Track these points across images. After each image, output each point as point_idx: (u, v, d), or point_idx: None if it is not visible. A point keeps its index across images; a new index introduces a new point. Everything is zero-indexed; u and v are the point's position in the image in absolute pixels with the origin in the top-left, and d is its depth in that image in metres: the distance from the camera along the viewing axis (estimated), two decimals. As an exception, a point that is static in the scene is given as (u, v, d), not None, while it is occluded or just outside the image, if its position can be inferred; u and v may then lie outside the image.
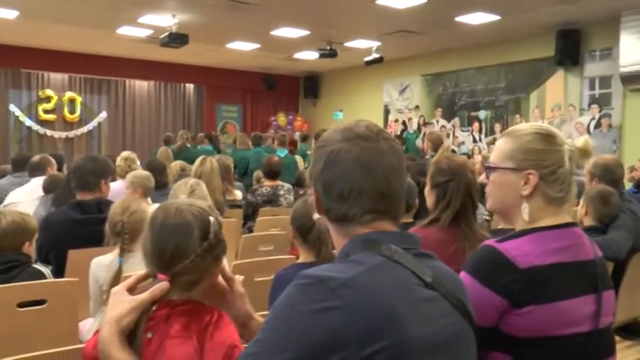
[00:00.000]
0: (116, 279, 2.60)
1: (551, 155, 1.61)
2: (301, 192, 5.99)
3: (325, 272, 1.09)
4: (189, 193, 2.98)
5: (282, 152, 9.27)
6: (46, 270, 3.01)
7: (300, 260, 2.73)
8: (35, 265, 3.01)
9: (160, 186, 5.55)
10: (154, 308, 1.46)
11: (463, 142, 13.01)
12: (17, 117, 14.19)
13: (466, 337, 1.22)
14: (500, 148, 1.68)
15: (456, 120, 13.28)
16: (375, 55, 12.59)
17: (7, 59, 13.57)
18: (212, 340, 1.45)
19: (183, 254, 1.46)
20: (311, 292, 1.06)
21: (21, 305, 2.67)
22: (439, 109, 13.63)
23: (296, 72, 16.95)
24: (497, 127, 12.34)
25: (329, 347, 1.02)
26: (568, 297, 1.53)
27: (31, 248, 3.06)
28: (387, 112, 14.94)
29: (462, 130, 13.15)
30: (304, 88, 17.61)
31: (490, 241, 1.59)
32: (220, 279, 1.60)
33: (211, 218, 1.53)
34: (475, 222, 2.65)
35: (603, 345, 1.60)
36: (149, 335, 1.41)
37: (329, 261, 2.52)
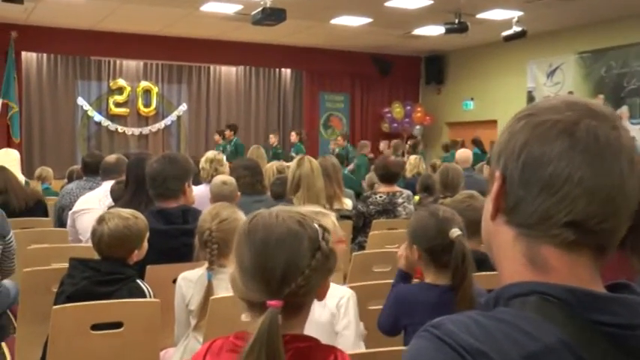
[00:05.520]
0: (206, 296, 2.69)
1: None
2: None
3: (476, 341, 0.93)
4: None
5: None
6: (147, 289, 3.06)
7: (428, 280, 2.67)
8: (138, 281, 3.06)
9: (256, 191, 5.42)
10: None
11: (634, 138, 12.51)
12: (86, 111, 15.01)
13: None
14: None
15: (624, 109, 12.83)
16: (516, 29, 12.42)
17: (75, 46, 14.33)
18: None
19: (296, 271, 1.47)
20: None
21: (95, 327, 2.79)
22: (601, 96, 13.16)
23: (416, 52, 16.93)
24: (680, 117, 11.82)
25: None
26: None
27: (142, 253, 3.13)
28: (531, 100, 14.60)
29: (632, 123, 12.64)
30: (426, 71, 17.60)
31: None
32: None
33: (316, 225, 1.54)
34: None
35: None
36: None
37: (471, 292, 2.48)
